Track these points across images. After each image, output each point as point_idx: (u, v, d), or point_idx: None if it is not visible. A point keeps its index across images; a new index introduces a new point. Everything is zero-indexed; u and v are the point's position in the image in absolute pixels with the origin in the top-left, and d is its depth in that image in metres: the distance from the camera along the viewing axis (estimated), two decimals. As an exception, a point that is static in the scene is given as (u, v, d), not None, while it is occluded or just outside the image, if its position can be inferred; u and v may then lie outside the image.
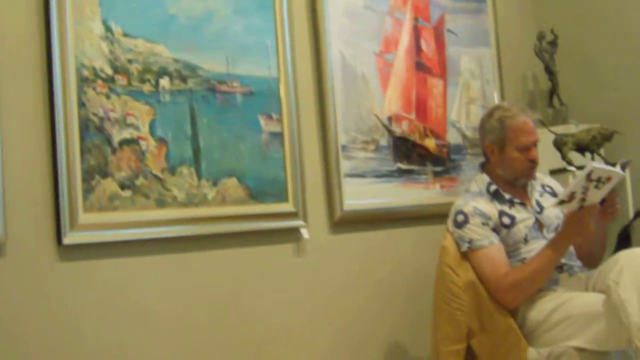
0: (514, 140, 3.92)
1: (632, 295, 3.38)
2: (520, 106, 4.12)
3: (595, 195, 3.57)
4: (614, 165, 3.74)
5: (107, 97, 3.50)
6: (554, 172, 4.51)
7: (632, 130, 4.84)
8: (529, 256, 3.82)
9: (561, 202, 3.61)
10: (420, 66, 4.68)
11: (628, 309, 3.37)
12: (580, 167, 4.52)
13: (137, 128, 3.57)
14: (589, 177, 3.47)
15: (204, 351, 3.69)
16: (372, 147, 4.40)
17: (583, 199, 3.56)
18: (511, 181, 3.98)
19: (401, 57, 4.59)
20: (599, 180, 3.50)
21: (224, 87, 3.85)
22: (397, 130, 4.51)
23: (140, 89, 3.60)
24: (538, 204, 3.99)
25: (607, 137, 4.60)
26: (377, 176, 4.40)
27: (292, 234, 4.05)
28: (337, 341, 4.15)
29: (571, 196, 3.55)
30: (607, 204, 3.67)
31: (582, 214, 3.62)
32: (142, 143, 3.58)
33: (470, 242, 3.82)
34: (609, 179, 3.51)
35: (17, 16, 3.33)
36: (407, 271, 4.40)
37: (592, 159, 4.59)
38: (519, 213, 3.91)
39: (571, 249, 3.88)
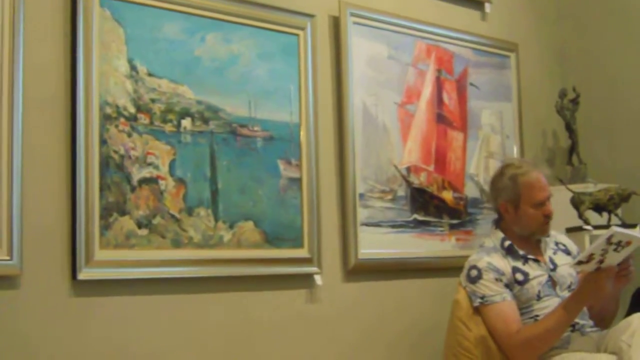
0: (529, 197, 3.92)
1: (644, 358, 3.37)
2: (531, 162, 4.15)
3: (614, 258, 3.54)
4: (634, 227, 3.75)
5: (129, 135, 3.53)
6: (570, 230, 4.51)
7: (649, 192, 4.82)
8: (542, 313, 3.81)
9: (579, 263, 3.59)
10: (441, 118, 4.69)
11: (640, 371, 3.36)
12: (597, 227, 4.54)
13: (156, 167, 3.59)
14: (609, 241, 3.44)
15: (212, 393, 3.70)
16: (389, 196, 4.41)
17: (601, 261, 3.54)
18: (526, 237, 3.98)
19: (422, 109, 4.61)
20: (618, 244, 3.47)
21: (245, 131, 3.87)
22: (415, 181, 4.52)
23: (162, 128, 3.62)
24: (552, 261, 3.98)
25: (624, 198, 4.61)
26: (393, 226, 4.40)
27: (305, 280, 4.05)
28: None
29: (589, 258, 3.52)
30: (622, 267, 3.63)
31: (598, 275, 3.58)
32: (161, 182, 3.60)
33: (482, 297, 3.81)
34: (628, 243, 3.48)
35: (43, 50, 3.37)
36: (418, 322, 4.39)
37: (609, 219, 4.60)
38: (532, 270, 3.90)
39: (584, 310, 3.85)
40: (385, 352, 4.29)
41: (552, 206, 3.98)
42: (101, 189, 3.42)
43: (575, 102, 5.13)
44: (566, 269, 3.94)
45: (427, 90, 4.66)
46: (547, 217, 3.95)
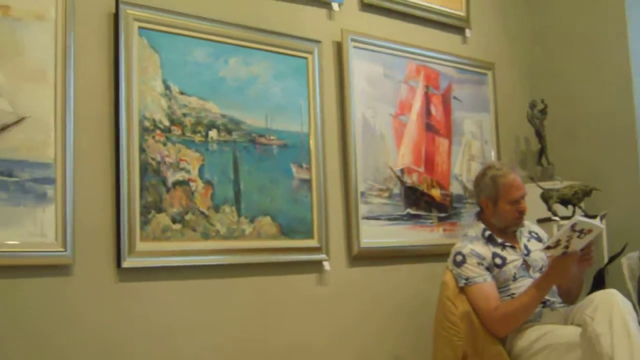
0: (506, 195, 3.92)
1: (605, 329, 3.35)
2: (510, 165, 4.17)
3: (577, 244, 3.54)
4: (594, 217, 3.74)
5: (164, 144, 3.53)
6: (540, 221, 4.49)
7: (608, 188, 4.82)
8: (517, 292, 3.80)
9: (547, 248, 3.59)
10: (429, 127, 4.67)
11: (601, 341, 3.34)
12: (563, 218, 4.52)
13: (188, 172, 3.59)
14: (573, 228, 3.45)
15: (237, 363, 3.71)
16: (386, 194, 4.39)
17: (567, 246, 3.54)
18: (503, 229, 3.97)
19: (413, 119, 4.59)
20: (581, 231, 3.47)
21: (262, 140, 3.87)
22: (408, 180, 4.51)
23: (192, 138, 3.62)
24: (526, 247, 3.97)
25: (587, 193, 4.59)
26: (390, 219, 4.39)
27: (315, 266, 4.04)
28: None
29: (557, 243, 3.53)
30: (584, 252, 3.63)
31: (564, 259, 3.59)
32: (192, 184, 3.60)
33: (467, 279, 3.80)
34: (590, 230, 3.48)
35: (91, 73, 3.38)
36: (412, 301, 4.37)
37: (574, 211, 4.59)
38: (509, 255, 3.90)
39: (553, 287, 3.85)
40: (384, 326, 4.28)
41: (526, 203, 3.98)
42: (141, 191, 3.43)
43: (543, 112, 5.11)
44: (538, 254, 3.93)
45: (417, 104, 4.64)
46: (521, 213, 3.95)
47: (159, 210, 3.49)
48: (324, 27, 4.26)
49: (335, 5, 4.29)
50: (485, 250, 3.88)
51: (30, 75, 3.18)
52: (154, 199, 3.48)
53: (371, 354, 4.22)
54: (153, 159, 3.49)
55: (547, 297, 3.82)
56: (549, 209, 4.60)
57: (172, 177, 3.54)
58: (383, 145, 4.42)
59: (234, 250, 3.71)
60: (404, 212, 4.47)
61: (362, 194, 4.28)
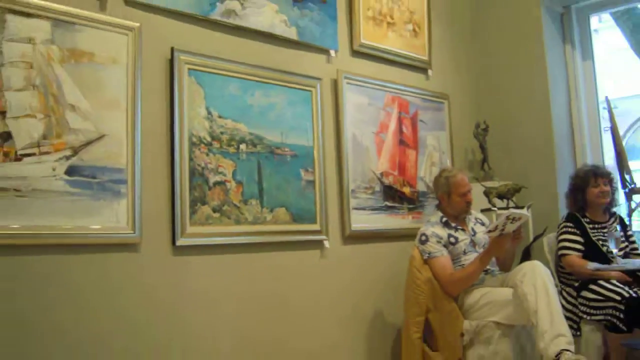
0: (456, 190, 3.96)
1: (531, 290, 3.40)
2: (458, 168, 4.22)
3: (510, 228, 3.59)
4: (523, 207, 3.78)
5: (207, 155, 3.54)
6: (483, 211, 4.51)
7: (533, 186, 4.83)
8: (466, 263, 3.83)
9: (489, 232, 3.63)
10: (401, 142, 4.67)
11: (528, 298, 3.40)
12: (500, 208, 4.55)
13: (224, 175, 3.59)
14: (507, 217, 3.50)
15: (259, 320, 3.70)
16: (370, 191, 4.39)
17: (502, 230, 3.58)
18: (455, 215, 3.99)
19: (390, 136, 4.59)
20: (513, 219, 3.52)
21: (279, 151, 3.87)
22: (386, 181, 4.51)
23: (227, 150, 3.63)
24: (473, 230, 3.99)
25: (517, 190, 4.62)
26: (373, 209, 4.38)
27: (318, 244, 4.04)
28: (346, 314, 4.13)
29: (495, 228, 3.58)
30: (515, 233, 3.66)
31: (501, 239, 3.62)
32: (227, 184, 3.60)
33: (429, 253, 3.82)
34: (520, 218, 3.53)
35: (152, 103, 3.39)
36: (389, 270, 4.36)
37: (507, 203, 4.61)
38: (460, 235, 3.92)
39: (493, 260, 3.88)
40: (369, 288, 4.28)
41: (471, 196, 4.02)
42: (190, 189, 3.44)
43: (485, 130, 5.11)
44: (482, 235, 3.95)
45: (393, 125, 4.63)
46: (468, 203, 3.98)
47: (203, 203, 3.49)
48: (323, 68, 4.26)
49: (332, 52, 4.30)
50: (443, 232, 3.90)
51: (108, 104, 3.20)
52: (200, 194, 3.48)
53: (360, 309, 4.22)
54: (199, 165, 3.49)
55: (488, 267, 3.85)
56: (490, 202, 4.62)
57: (212, 178, 3.55)
58: (367, 155, 4.42)
59: (258, 232, 3.71)
60: (383, 204, 4.47)
61: (352, 191, 4.28)
